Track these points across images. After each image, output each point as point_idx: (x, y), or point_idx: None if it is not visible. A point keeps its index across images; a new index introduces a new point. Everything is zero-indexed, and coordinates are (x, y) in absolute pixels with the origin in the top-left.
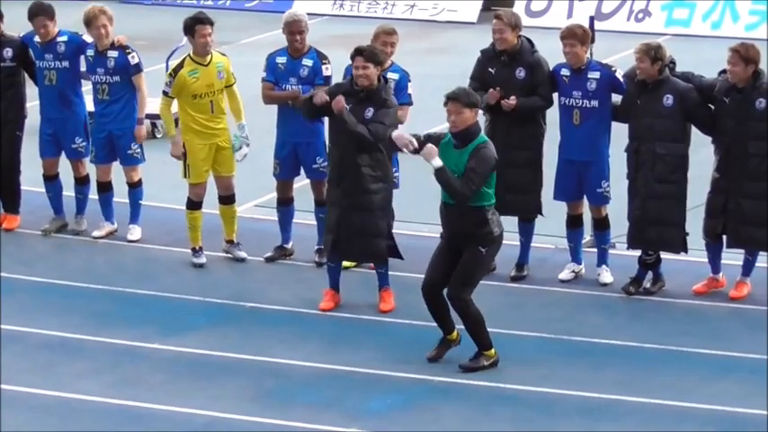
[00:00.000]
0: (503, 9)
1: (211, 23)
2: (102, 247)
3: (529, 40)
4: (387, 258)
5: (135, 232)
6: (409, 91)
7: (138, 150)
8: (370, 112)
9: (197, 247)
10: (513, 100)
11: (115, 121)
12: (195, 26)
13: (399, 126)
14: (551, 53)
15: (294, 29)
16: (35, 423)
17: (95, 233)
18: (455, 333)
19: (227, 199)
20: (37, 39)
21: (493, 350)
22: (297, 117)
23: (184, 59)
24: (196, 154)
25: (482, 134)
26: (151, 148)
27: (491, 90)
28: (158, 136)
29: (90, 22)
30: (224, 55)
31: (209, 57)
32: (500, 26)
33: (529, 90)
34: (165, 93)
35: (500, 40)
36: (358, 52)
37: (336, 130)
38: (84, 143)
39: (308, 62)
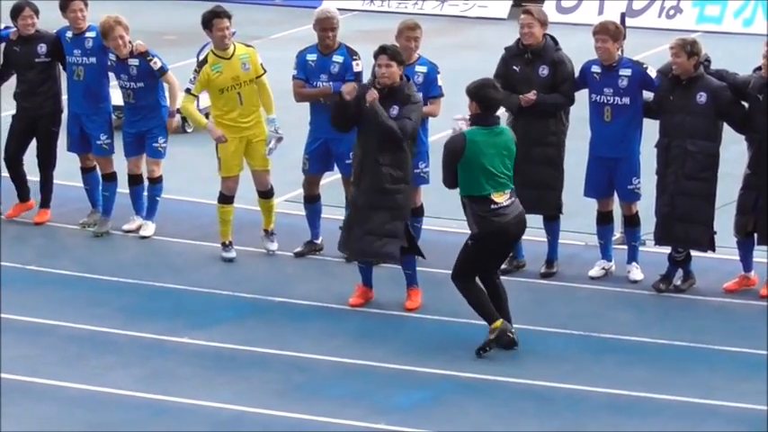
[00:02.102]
0: (532, 5)
1: (228, 17)
2: (131, 240)
3: (553, 38)
4: (399, 260)
5: (149, 228)
6: (439, 83)
7: (165, 145)
8: (395, 110)
9: (227, 242)
10: (532, 95)
11: (144, 120)
12: (212, 20)
13: (432, 119)
14: (581, 50)
15: (326, 25)
16: (64, 416)
17: (126, 227)
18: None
19: (264, 194)
20: (69, 34)
21: (497, 321)
22: (329, 112)
23: (207, 55)
24: (226, 147)
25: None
26: (181, 143)
27: (528, 95)
28: (188, 130)
29: (107, 33)
30: (249, 46)
31: (232, 50)
32: (529, 20)
33: (551, 88)
34: (187, 90)
35: (528, 35)
36: (382, 50)
37: (362, 129)
38: (108, 140)
39: (338, 59)
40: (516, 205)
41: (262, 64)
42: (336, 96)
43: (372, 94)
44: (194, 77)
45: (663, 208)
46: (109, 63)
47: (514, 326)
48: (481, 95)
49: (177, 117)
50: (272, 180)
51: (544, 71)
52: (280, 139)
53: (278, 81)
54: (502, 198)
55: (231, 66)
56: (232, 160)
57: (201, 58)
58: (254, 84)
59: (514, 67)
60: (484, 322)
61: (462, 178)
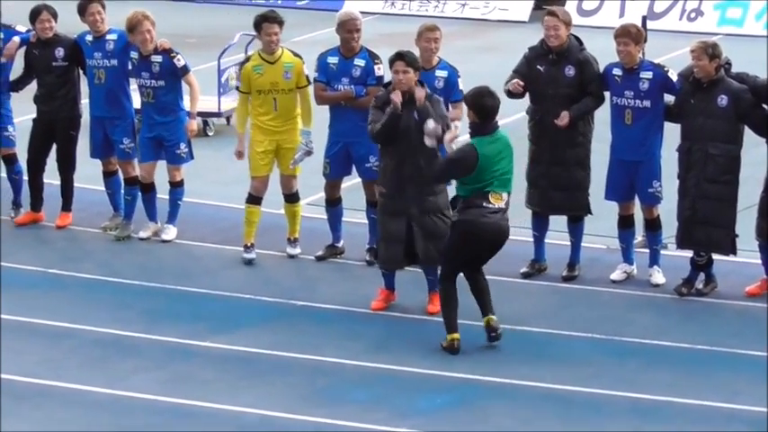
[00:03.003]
0: (556, 6)
1: (279, 22)
2: (153, 244)
3: (577, 38)
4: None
5: (170, 232)
6: (461, 87)
7: (186, 150)
8: (414, 116)
9: (248, 244)
10: (565, 118)
11: (163, 125)
12: (262, 23)
13: (455, 123)
14: (602, 52)
15: (350, 27)
16: (87, 419)
17: (142, 234)
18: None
19: (288, 197)
20: (89, 38)
21: (453, 334)
22: (349, 116)
23: (253, 54)
24: (255, 147)
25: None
26: (203, 146)
27: (515, 80)
28: (210, 134)
29: (134, 27)
30: (298, 56)
31: (279, 55)
32: (555, 22)
33: (577, 87)
34: (237, 88)
35: (554, 37)
36: (399, 57)
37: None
38: (131, 144)
39: (360, 62)
40: (503, 216)
41: (307, 75)
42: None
43: (397, 95)
44: (238, 75)
45: (684, 211)
46: (130, 62)
47: (534, 328)
48: (478, 104)
49: (198, 120)
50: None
51: (570, 71)
52: (308, 153)
53: None
54: (497, 200)
55: (273, 70)
56: (260, 160)
57: (248, 55)
58: (293, 93)
59: (539, 67)
60: (507, 325)
61: (468, 182)
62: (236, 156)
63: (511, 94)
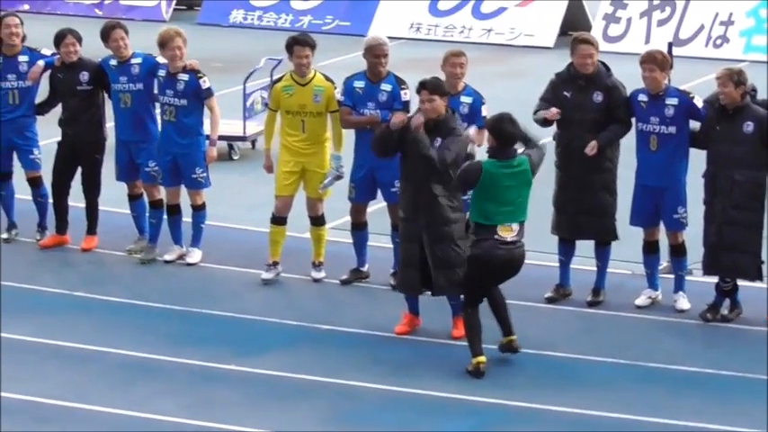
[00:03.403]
0: (587, 33)
1: (311, 46)
2: (178, 267)
3: (604, 64)
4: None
5: (195, 255)
6: (484, 113)
7: (204, 175)
8: (438, 143)
9: (271, 262)
10: (594, 148)
11: (180, 145)
12: (294, 46)
13: (476, 149)
14: (628, 78)
15: (378, 52)
16: None
17: (166, 257)
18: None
19: (314, 220)
20: (113, 62)
21: (479, 357)
22: None
23: (285, 74)
24: (281, 166)
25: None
26: (228, 169)
27: (553, 108)
28: (235, 158)
29: (165, 43)
30: (330, 81)
31: (310, 78)
32: (591, 50)
33: (604, 113)
34: (266, 105)
35: (590, 65)
36: (422, 86)
37: (409, 161)
38: (156, 167)
39: (386, 87)
40: (518, 245)
41: (339, 101)
42: (383, 125)
43: (419, 119)
44: (268, 93)
45: (710, 238)
46: (156, 80)
47: (559, 353)
48: (497, 130)
49: (222, 145)
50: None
51: (598, 97)
52: (339, 178)
53: None
54: (507, 233)
55: (303, 92)
56: (284, 180)
57: (281, 74)
58: (322, 116)
59: (565, 93)
60: (532, 350)
61: (474, 204)
62: (266, 170)
63: (546, 122)
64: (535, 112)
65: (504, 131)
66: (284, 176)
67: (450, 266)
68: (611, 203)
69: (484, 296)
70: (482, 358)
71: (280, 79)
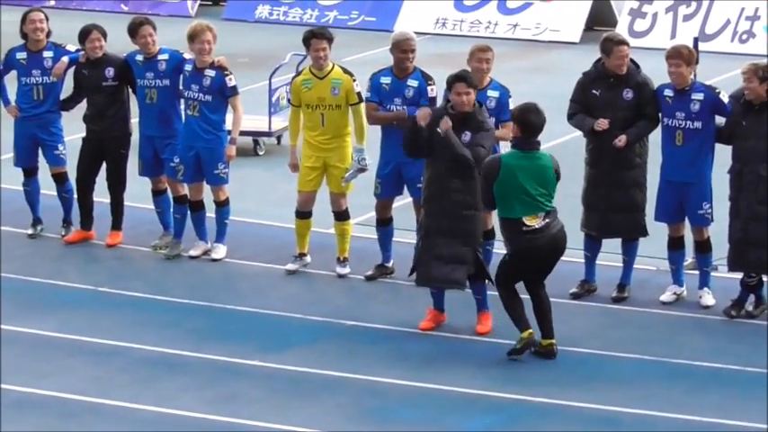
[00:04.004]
0: (620, 34)
1: (328, 39)
2: (203, 263)
3: (633, 62)
4: (464, 287)
5: (220, 251)
6: (511, 107)
7: (226, 171)
8: (467, 136)
9: (297, 254)
10: (622, 140)
11: (203, 140)
12: (311, 39)
13: (503, 143)
14: (653, 73)
15: (405, 47)
16: None
17: (191, 252)
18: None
19: (338, 215)
20: (140, 57)
21: (526, 332)
22: (401, 137)
23: (305, 68)
24: (303, 162)
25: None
26: (253, 165)
27: (601, 119)
28: (260, 153)
29: (195, 36)
30: (348, 73)
31: (328, 71)
32: (628, 51)
33: (635, 110)
34: (288, 101)
35: (626, 65)
36: (460, 78)
37: (433, 154)
38: (180, 163)
39: (413, 83)
40: (552, 226)
41: (359, 93)
42: (410, 121)
43: (447, 123)
44: (289, 88)
45: (736, 233)
46: (185, 72)
47: (583, 349)
48: (522, 119)
49: (247, 141)
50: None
51: (628, 94)
52: (362, 170)
53: None
54: (534, 221)
55: (321, 86)
56: (306, 176)
57: (300, 69)
58: (342, 109)
59: (594, 92)
60: (557, 345)
61: (497, 199)
62: (291, 168)
63: (594, 132)
64: (571, 116)
65: (528, 121)
66: (306, 172)
67: (449, 261)
68: (641, 200)
69: (519, 280)
70: (530, 330)
71: (299, 74)
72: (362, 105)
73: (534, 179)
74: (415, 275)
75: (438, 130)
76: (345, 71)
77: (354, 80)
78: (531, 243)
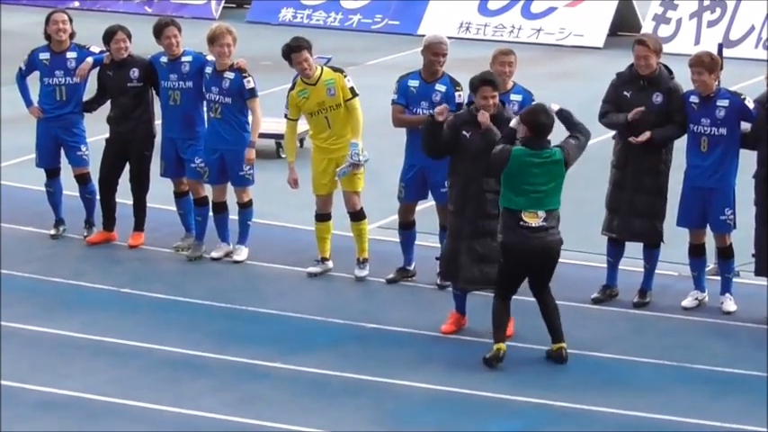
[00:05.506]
0: (644, 34)
1: (306, 48)
2: (225, 265)
3: (666, 67)
4: None
5: (242, 253)
6: None
7: (251, 172)
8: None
9: (319, 258)
10: (646, 135)
11: (227, 142)
12: (290, 54)
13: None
14: (678, 80)
15: (437, 50)
16: None
17: (213, 254)
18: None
19: (353, 215)
20: (164, 59)
21: (499, 344)
22: None
23: (296, 81)
24: (316, 166)
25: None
26: (275, 168)
27: (641, 137)
28: (282, 156)
29: (215, 39)
30: (337, 71)
31: (317, 75)
32: (645, 52)
33: (664, 115)
34: (285, 116)
35: (645, 66)
36: (487, 82)
37: (461, 156)
38: (203, 164)
39: (441, 87)
40: (549, 233)
41: (352, 88)
42: (428, 118)
43: (484, 116)
44: (287, 103)
45: (763, 239)
46: (205, 74)
47: (604, 354)
48: (531, 120)
49: (254, 150)
50: (367, 207)
51: (658, 98)
52: (355, 166)
53: (373, 108)
54: (532, 219)
55: (316, 91)
56: (320, 179)
57: (291, 83)
58: (343, 107)
59: (625, 93)
60: (577, 351)
61: (502, 189)
62: (291, 183)
63: (630, 124)
64: (603, 115)
65: (537, 122)
66: (319, 176)
67: (490, 261)
68: (662, 207)
69: (515, 289)
70: (503, 345)
71: (293, 87)
72: (356, 100)
73: (542, 176)
74: (458, 281)
75: (478, 120)
76: (335, 69)
77: (345, 76)
78: (523, 241)
